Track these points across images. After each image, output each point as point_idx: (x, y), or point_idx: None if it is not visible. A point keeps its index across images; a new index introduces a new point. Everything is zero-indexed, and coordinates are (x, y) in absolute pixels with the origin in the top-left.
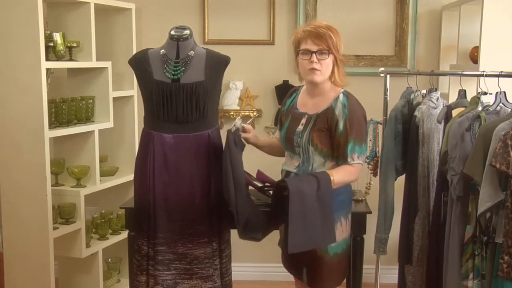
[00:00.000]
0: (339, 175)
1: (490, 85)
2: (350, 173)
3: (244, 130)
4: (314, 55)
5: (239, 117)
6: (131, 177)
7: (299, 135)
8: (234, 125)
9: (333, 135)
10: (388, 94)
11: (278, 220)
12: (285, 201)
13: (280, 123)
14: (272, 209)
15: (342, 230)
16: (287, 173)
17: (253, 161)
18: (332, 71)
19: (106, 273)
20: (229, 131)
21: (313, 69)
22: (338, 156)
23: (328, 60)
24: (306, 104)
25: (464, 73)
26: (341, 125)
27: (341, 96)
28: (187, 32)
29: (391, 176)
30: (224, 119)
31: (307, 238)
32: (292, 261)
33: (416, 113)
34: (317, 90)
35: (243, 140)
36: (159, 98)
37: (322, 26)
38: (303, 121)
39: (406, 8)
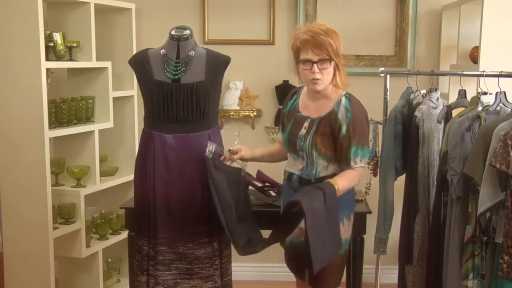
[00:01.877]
0: (343, 183)
1: (490, 85)
2: (353, 178)
3: (235, 152)
4: (315, 65)
5: (209, 141)
6: (131, 177)
7: (302, 139)
8: (208, 151)
9: (336, 139)
10: (388, 94)
11: (283, 233)
12: (292, 216)
13: (282, 125)
14: (281, 225)
15: (344, 231)
16: (290, 175)
17: (253, 162)
18: (334, 75)
19: (106, 273)
20: (207, 158)
21: (315, 79)
22: (341, 159)
23: (330, 69)
24: (307, 106)
25: (464, 73)
26: (344, 129)
27: (343, 99)
28: (187, 32)
29: (391, 176)
30: (224, 119)
31: (324, 252)
32: (296, 262)
33: (416, 113)
34: (319, 94)
35: (240, 161)
36: (159, 98)
37: (321, 34)
38: (306, 124)
39: (406, 8)
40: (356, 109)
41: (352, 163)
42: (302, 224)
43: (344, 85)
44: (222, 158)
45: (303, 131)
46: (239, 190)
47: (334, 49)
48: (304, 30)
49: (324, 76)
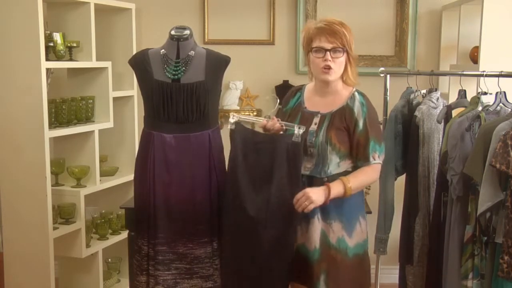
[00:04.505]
0: (356, 180)
1: (490, 85)
2: (369, 174)
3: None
4: (328, 53)
5: (298, 125)
6: (131, 177)
7: (313, 134)
8: (231, 121)
9: (352, 134)
10: (388, 94)
11: None
12: None
13: None
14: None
15: (362, 231)
16: None
17: None
18: (345, 70)
19: (106, 273)
20: (231, 131)
21: (326, 68)
22: (357, 156)
23: (342, 59)
24: (315, 103)
25: (464, 73)
26: (360, 124)
27: (357, 95)
28: (187, 32)
29: (391, 176)
30: (224, 119)
31: None
32: (308, 270)
33: (416, 113)
34: (329, 89)
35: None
36: (159, 98)
37: (335, 23)
38: (316, 120)
39: (406, 8)
40: (371, 105)
41: (371, 159)
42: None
43: (355, 81)
44: (261, 124)
45: (313, 126)
46: (282, 162)
47: (348, 40)
48: (317, 21)
49: (337, 66)
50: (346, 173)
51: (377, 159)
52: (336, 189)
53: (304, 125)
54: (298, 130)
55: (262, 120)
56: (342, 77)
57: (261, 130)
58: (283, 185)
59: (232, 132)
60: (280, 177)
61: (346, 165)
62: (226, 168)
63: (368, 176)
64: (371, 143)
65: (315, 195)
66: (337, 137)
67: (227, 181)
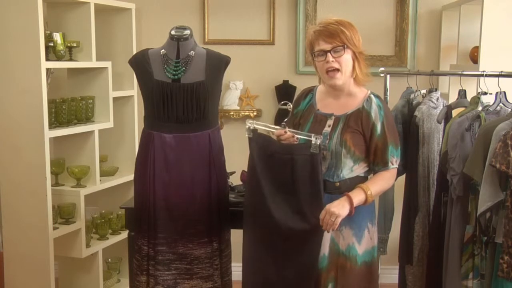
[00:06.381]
0: (375, 187)
1: (490, 85)
2: (387, 179)
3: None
4: (329, 54)
5: (315, 135)
6: (131, 177)
7: (326, 137)
8: (248, 129)
9: (370, 139)
10: (388, 94)
11: None
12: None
13: (294, 126)
14: None
15: (370, 237)
16: None
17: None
18: (353, 67)
19: (106, 273)
20: (248, 138)
21: (331, 69)
22: (375, 161)
23: (346, 56)
24: (329, 105)
25: (464, 73)
26: (379, 128)
27: (373, 97)
28: (187, 32)
29: None
30: (224, 119)
31: None
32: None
33: (416, 113)
34: (341, 91)
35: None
36: (159, 98)
37: (331, 22)
38: (330, 122)
39: (406, 8)
40: (387, 108)
41: (389, 164)
42: None
43: (366, 78)
44: (278, 133)
45: (327, 129)
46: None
47: (348, 36)
48: (315, 25)
49: (342, 65)
50: (358, 178)
51: (394, 163)
52: (357, 197)
53: (317, 127)
54: (315, 140)
55: (279, 129)
56: (351, 75)
57: (275, 137)
58: (308, 199)
59: (249, 140)
60: (305, 191)
61: (359, 169)
62: (227, 168)
63: (386, 181)
64: (389, 147)
65: (337, 208)
66: (352, 140)
67: (248, 189)
